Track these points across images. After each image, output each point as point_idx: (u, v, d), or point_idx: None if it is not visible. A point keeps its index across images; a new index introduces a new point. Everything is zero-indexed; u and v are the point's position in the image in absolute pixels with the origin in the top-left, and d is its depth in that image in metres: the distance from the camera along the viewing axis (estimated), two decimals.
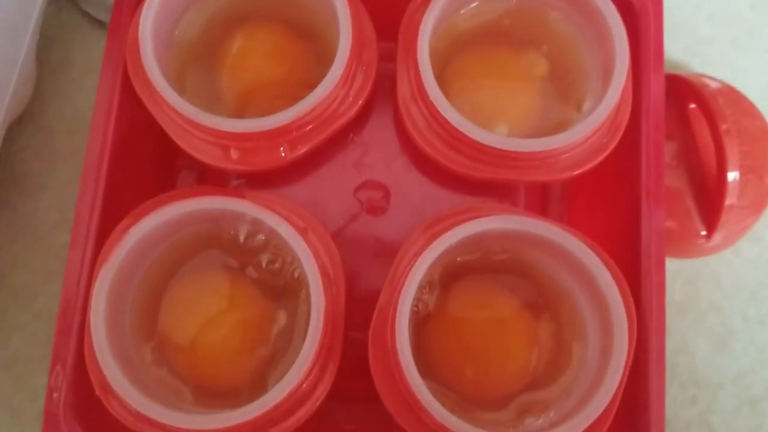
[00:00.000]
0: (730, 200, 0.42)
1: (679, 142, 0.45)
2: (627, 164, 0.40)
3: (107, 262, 0.34)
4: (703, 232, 0.44)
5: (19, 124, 0.48)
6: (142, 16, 0.37)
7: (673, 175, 0.45)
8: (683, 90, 0.45)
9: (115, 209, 0.38)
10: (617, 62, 0.37)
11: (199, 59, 0.40)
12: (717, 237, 0.43)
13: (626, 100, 0.38)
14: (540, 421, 0.36)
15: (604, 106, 0.36)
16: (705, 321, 0.46)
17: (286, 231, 0.35)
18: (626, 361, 0.34)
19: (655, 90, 0.40)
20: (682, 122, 0.45)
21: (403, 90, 0.38)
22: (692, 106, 0.44)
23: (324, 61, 0.39)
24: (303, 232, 0.36)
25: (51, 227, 0.47)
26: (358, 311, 0.37)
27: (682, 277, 0.46)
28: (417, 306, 0.37)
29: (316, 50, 0.41)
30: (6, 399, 0.45)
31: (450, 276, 0.38)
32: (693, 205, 0.44)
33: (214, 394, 0.37)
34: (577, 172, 0.37)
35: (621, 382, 0.34)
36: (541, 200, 0.43)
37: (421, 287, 0.36)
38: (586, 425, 0.33)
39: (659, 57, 0.40)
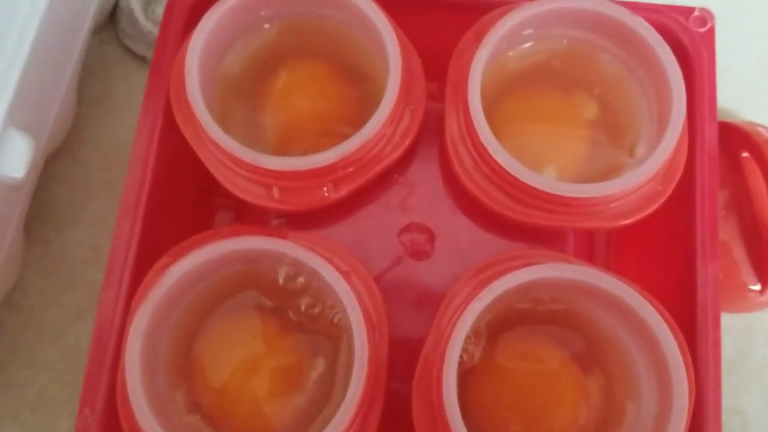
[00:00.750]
0: None
1: (729, 191, 0.44)
2: (679, 214, 0.38)
3: (145, 301, 0.33)
4: (756, 286, 0.42)
5: (56, 156, 0.47)
6: (189, 47, 0.36)
7: (723, 226, 0.43)
8: (734, 137, 0.43)
9: (152, 247, 0.37)
10: (674, 106, 0.35)
11: (243, 94, 0.40)
12: None
13: (682, 147, 0.37)
14: None
15: (660, 152, 0.35)
16: (759, 379, 0.44)
17: (328, 273, 0.34)
18: (686, 423, 0.32)
19: (710, 137, 0.38)
20: (733, 170, 0.44)
21: (452, 130, 0.37)
22: (744, 154, 0.43)
23: (369, 100, 0.39)
24: (346, 275, 0.34)
25: (83, 263, 0.46)
26: (399, 360, 0.36)
27: (734, 333, 0.45)
28: (462, 357, 0.35)
29: (362, 89, 0.40)
30: None
31: (496, 326, 0.36)
32: (744, 257, 0.43)
33: None
34: (629, 220, 0.36)
35: None
36: (588, 248, 0.42)
37: (467, 337, 0.34)
38: None
39: (713, 102, 0.39)
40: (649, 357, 0.34)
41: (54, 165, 0.48)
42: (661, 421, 0.33)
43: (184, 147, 0.38)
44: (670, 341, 0.32)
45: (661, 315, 0.33)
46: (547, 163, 0.38)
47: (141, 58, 0.50)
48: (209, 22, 0.37)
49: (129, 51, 0.50)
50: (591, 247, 0.42)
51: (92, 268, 0.46)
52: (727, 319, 0.44)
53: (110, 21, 0.50)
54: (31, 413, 0.44)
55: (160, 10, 0.48)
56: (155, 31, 0.46)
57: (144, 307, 0.33)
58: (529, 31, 0.39)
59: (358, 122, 0.36)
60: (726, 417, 0.42)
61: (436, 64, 0.39)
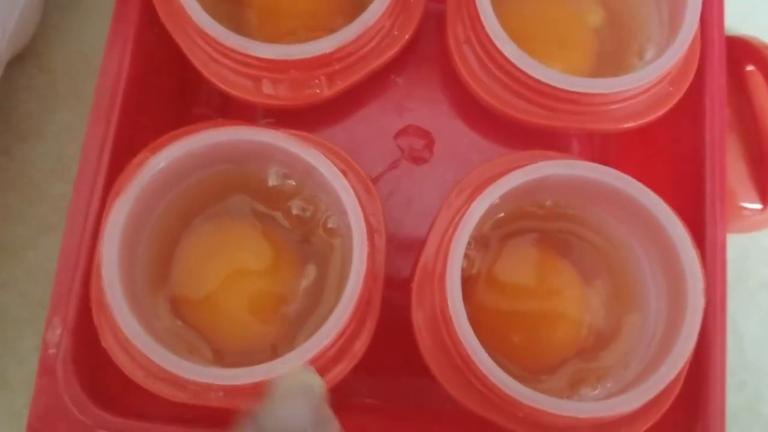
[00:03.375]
0: None
1: (732, 107, 0.42)
2: (686, 124, 0.37)
3: (124, 193, 0.30)
4: (756, 204, 0.41)
5: (20, 62, 0.44)
6: None
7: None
8: (740, 51, 0.42)
9: (126, 152, 0.34)
10: (689, 6, 0.34)
11: None
12: None
13: (694, 49, 0.35)
14: (597, 391, 0.33)
15: (673, 50, 0.33)
16: (754, 300, 0.43)
17: (326, 168, 0.31)
18: (698, 329, 0.31)
19: (719, 45, 0.37)
20: (736, 86, 0.42)
21: (455, 28, 0.35)
22: (749, 68, 0.42)
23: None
24: (343, 174, 0.32)
25: (47, 175, 0.43)
26: (395, 267, 0.34)
27: (731, 254, 0.43)
28: (462, 264, 0.34)
29: None
30: None
31: (498, 234, 0.35)
32: (745, 175, 0.42)
33: (235, 354, 0.33)
34: (637, 122, 0.35)
35: (692, 352, 0.30)
36: (590, 158, 0.40)
37: (467, 243, 0.32)
38: (647, 398, 0.30)
39: (721, 12, 0.38)
40: (660, 262, 0.32)
41: (17, 72, 0.44)
42: (672, 328, 0.31)
43: (164, 46, 0.35)
44: (685, 240, 0.30)
45: (676, 217, 0.31)
46: (554, 65, 0.36)
47: None
48: None
49: None
50: (593, 156, 0.40)
51: (58, 181, 0.43)
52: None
53: None
54: None
55: None
56: None
57: (122, 201, 0.30)
58: None
59: (350, 17, 0.34)
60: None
61: None
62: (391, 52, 0.35)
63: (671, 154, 0.38)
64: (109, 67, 0.35)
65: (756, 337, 0.43)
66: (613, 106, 0.34)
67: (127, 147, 0.34)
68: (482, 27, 0.33)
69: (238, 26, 0.37)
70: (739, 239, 0.44)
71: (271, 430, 0.20)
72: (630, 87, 0.33)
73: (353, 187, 0.32)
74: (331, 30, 0.34)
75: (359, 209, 0.31)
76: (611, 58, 0.37)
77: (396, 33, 0.35)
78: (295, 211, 0.34)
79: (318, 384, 0.22)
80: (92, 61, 0.44)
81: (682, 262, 0.31)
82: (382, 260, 0.32)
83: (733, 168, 0.41)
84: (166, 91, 0.39)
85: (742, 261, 0.44)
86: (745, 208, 0.41)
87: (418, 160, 0.38)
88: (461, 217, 0.31)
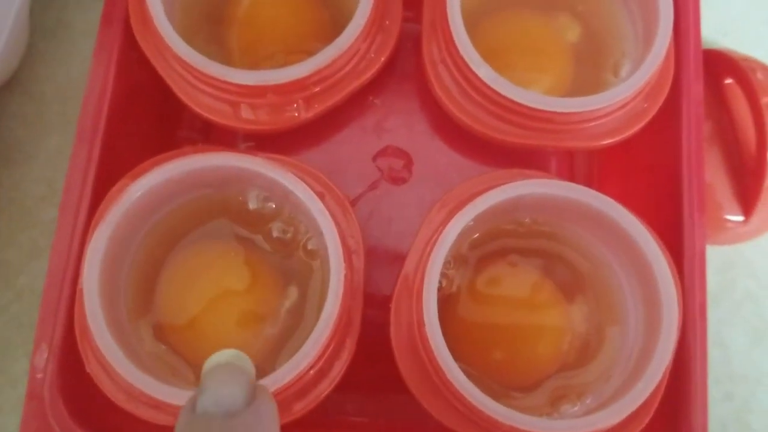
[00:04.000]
0: None
1: (712, 121, 0.43)
2: (663, 140, 0.37)
3: (103, 220, 0.31)
4: (738, 217, 0.41)
5: (7, 90, 0.45)
6: None
7: (707, 156, 0.42)
8: (718, 64, 0.42)
9: (110, 177, 0.35)
10: (661, 22, 0.34)
11: (207, 13, 0.38)
12: (754, 221, 0.41)
13: (668, 64, 0.35)
14: (576, 408, 0.33)
15: (646, 66, 0.34)
16: (740, 312, 0.43)
17: (303, 192, 0.32)
18: (674, 343, 0.31)
19: (695, 59, 0.37)
20: (716, 99, 0.43)
21: (431, 50, 0.35)
22: (728, 81, 0.42)
23: (340, 22, 0.37)
24: (320, 196, 0.32)
25: (38, 201, 0.44)
26: (375, 286, 0.34)
27: (715, 266, 0.44)
28: (441, 283, 0.34)
29: (332, 10, 0.38)
30: None
31: (477, 252, 0.35)
32: (727, 187, 0.42)
33: None
34: (613, 139, 0.35)
35: (668, 366, 0.31)
36: (569, 175, 0.40)
37: (446, 262, 0.33)
38: (626, 413, 0.30)
39: (697, 24, 0.38)
40: (638, 280, 0.32)
41: (5, 100, 0.45)
42: (648, 347, 0.31)
43: (145, 72, 0.36)
44: (658, 257, 0.31)
45: (652, 236, 0.32)
46: (529, 85, 0.37)
47: None
48: None
49: None
50: (572, 172, 0.40)
51: (48, 206, 0.44)
52: (708, 253, 0.43)
53: None
54: None
55: None
56: None
57: (102, 228, 0.31)
58: None
59: (329, 41, 0.34)
60: (708, 349, 0.41)
61: None
62: (368, 74, 0.35)
63: (650, 168, 0.38)
64: (91, 92, 0.36)
65: (742, 348, 0.43)
66: (589, 124, 0.34)
67: (112, 171, 0.35)
68: (456, 48, 0.33)
69: (219, 46, 0.38)
70: (723, 251, 0.44)
71: (206, 409, 0.21)
72: (604, 105, 0.33)
73: (331, 209, 0.32)
74: (310, 53, 0.34)
75: (335, 231, 0.31)
76: (588, 74, 0.37)
77: (372, 55, 0.35)
78: (275, 234, 0.35)
79: (247, 362, 0.23)
80: (80, 86, 0.45)
81: (657, 278, 0.31)
82: (360, 280, 0.32)
83: (715, 180, 0.42)
84: (149, 114, 0.40)
85: (726, 272, 0.44)
86: (729, 221, 0.42)
87: (397, 180, 0.38)
88: (438, 238, 0.31)
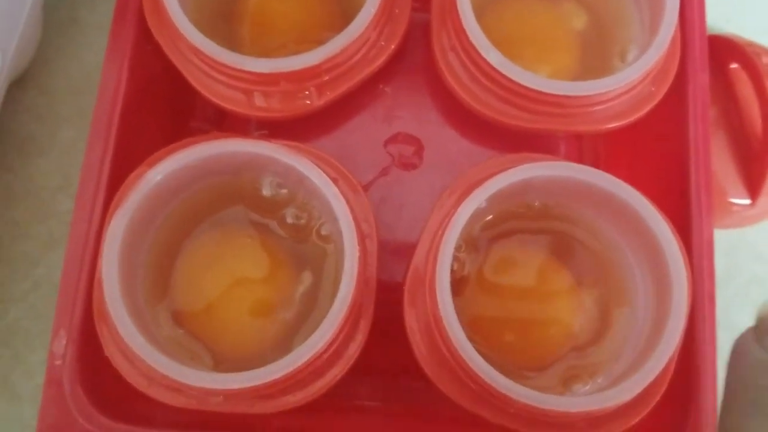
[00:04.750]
0: None
1: (718, 106, 0.43)
2: (671, 122, 0.37)
3: (122, 207, 0.32)
4: (745, 200, 0.42)
5: (21, 84, 0.45)
6: None
7: (713, 140, 0.42)
8: (723, 50, 0.43)
9: (126, 166, 0.35)
10: (667, 6, 0.35)
11: (218, 12, 0.38)
12: (761, 203, 0.41)
13: (674, 48, 0.36)
14: (588, 387, 0.33)
15: (653, 50, 0.34)
16: (747, 294, 0.44)
17: (317, 177, 0.32)
18: (684, 322, 0.31)
19: (700, 43, 0.38)
20: (722, 83, 0.43)
21: (440, 37, 0.36)
22: (733, 66, 0.42)
23: (350, 12, 0.37)
24: (334, 181, 0.33)
25: (53, 192, 0.44)
26: (388, 271, 0.35)
27: (721, 249, 0.44)
28: (453, 266, 0.34)
29: (343, 2, 0.39)
30: (2, 375, 0.42)
31: (488, 235, 0.35)
32: (734, 171, 0.42)
33: (234, 361, 0.34)
34: (620, 122, 0.35)
35: (678, 344, 0.31)
36: (578, 158, 0.41)
37: (457, 246, 0.33)
38: (636, 392, 0.31)
39: (702, 11, 0.38)
40: (646, 257, 0.33)
41: (20, 94, 0.46)
42: (659, 322, 0.32)
43: (160, 64, 0.36)
44: (669, 238, 0.31)
45: (661, 216, 0.32)
46: (537, 72, 0.37)
47: None
48: None
49: None
50: (581, 157, 0.41)
51: (63, 197, 0.44)
52: (714, 236, 0.43)
53: None
54: (3, 347, 0.42)
55: None
56: None
57: (121, 213, 0.32)
58: None
59: (339, 31, 0.35)
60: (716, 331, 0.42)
61: None
62: (379, 62, 0.36)
63: (658, 152, 0.38)
64: (106, 85, 0.36)
65: None
66: (597, 108, 0.35)
67: (127, 161, 0.35)
68: (466, 35, 0.34)
69: (231, 42, 0.38)
70: (728, 235, 0.44)
71: None
72: (611, 88, 0.34)
73: (344, 194, 0.33)
74: (321, 43, 0.35)
75: (350, 215, 0.32)
76: (595, 61, 0.38)
77: (383, 43, 0.36)
78: (289, 219, 0.35)
79: None
80: (94, 78, 0.45)
81: (667, 258, 0.31)
82: (374, 264, 0.33)
83: (721, 165, 0.42)
84: (163, 105, 0.40)
85: (732, 256, 0.44)
86: (735, 204, 0.42)
87: (408, 166, 0.39)
88: (449, 221, 0.32)
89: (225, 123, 0.41)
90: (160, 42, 0.36)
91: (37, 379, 0.42)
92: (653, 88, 0.35)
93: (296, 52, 0.35)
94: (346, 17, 0.38)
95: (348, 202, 0.33)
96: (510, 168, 0.33)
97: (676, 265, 0.31)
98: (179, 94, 0.40)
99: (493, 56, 0.33)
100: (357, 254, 0.31)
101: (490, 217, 0.35)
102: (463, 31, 0.34)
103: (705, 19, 0.38)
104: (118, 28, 0.37)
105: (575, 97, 0.34)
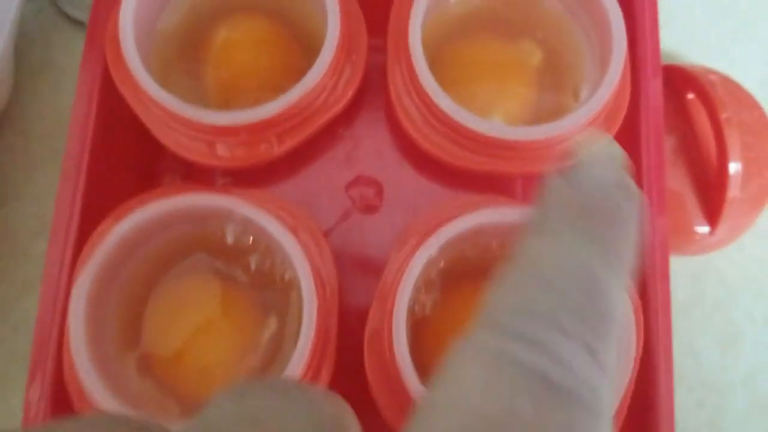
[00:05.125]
0: (732, 192, 0.41)
1: (677, 135, 0.44)
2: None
3: (87, 262, 0.32)
4: (705, 228, 0.43)
5: None
6: (122, 7, 0.35)
7: (671, 171, 0.43)
8: (680, 80, 0.44)
9: (96, 212, 0.36)
10: (615, 44, 0.35)
11: (182, 51, 0.39)
12: (720, 231, 0.42)
13: (624, 85, 0.36)
14: None
15: (602, 90, 0.35)
16: (710, 320, 0.44)
17: (275, 228, 0.33)
18: (634, 360, 0.32)
19: (654, 82, 0.38)
20: (680, 114, 0.44)
21: (395, 81, 0.37)
22: (690, 96, 0.43)
23: (310, 52, 0.38)
24: (293, 230, 0.34)
25: (30, 236, 0.45)
26: (351, 314, 0.36)
27: (685, 275, 0.45)
28: (413, 307, 0.35)
29: (303, 41, 0.39)
30: None
31: (448, 276, 0.36)
32: (694, 199, 0.43)
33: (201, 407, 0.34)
34: None
35: (630, 380, 0.32)
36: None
37: (417, 288, 0.34)
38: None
39: (655, 44, 0.39)
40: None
41: None
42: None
43: (126, 109, 0.37)
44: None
45: None
46: (493, 110, 0.38)
47: (80, 24, 0.48)
48: None
49: (67, 17, 0.48)
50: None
51: (40, 240, 0.45)
52: (677, 263, 0.44)
53: None
54: None
55: None
56: None
57: (86, 269, 0.32)
58: None
59: (300, 75, 0.36)
60: (679, 359, 0.42)
61: (379, 18, 0.38)
62: (337, 108, 0.36)
63: None
64: (74, 131, 0.37)
65: (713, 355, 0.44)
66: (550, 150, 0.35)
67: (98, 204, 0.36)
68: (417, 80, 0.35)
69: (196, 82, 0.39)
70: (692, 261, 0.45)
71: (581, 183, 0.20)
72: (563, 131, 0.34)
73: (304, 243, 0.34)
74: (282, 89, 0.36)
75: (308, 266, 0.33)
76: (549, 98, 0.38)
77: (340, 90, 0.36)
78: (253, 266, 0.36)
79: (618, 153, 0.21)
80: (68, 121, 0.46)
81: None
82: (334, 312, 0.34)
83: (682, 193, 0.43)
84: (131, 148, 0.41)
85: (696, 282, 0.45)
86: (696, 232, 0.43)
87: (369, 209, 0.39)
88: (403, 270, 0.32)
89: (193, 165, 0.42)
90: (122, 93, 0.36)
91: (19, 422, 0.43)
92: (605, 127, 0.36)
93: (257, 98, 0.36)
94: (307, 55, 0.39)
95: (308, 250, 0.34)
96: (463, 213, 0.33)
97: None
98: (148, 136, 0.40)
99: (445, 103, 0.34)
100: (315, 305, 0.32)
101: (447, 259, 0.36)
102: (415, 75, 0.35)
103: (659, 51, 0.39)
104: (84, 76, 0.38)
105: (529, 141, 0.34)
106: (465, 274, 0.36)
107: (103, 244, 0.33)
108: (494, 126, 0.34)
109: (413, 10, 0.35)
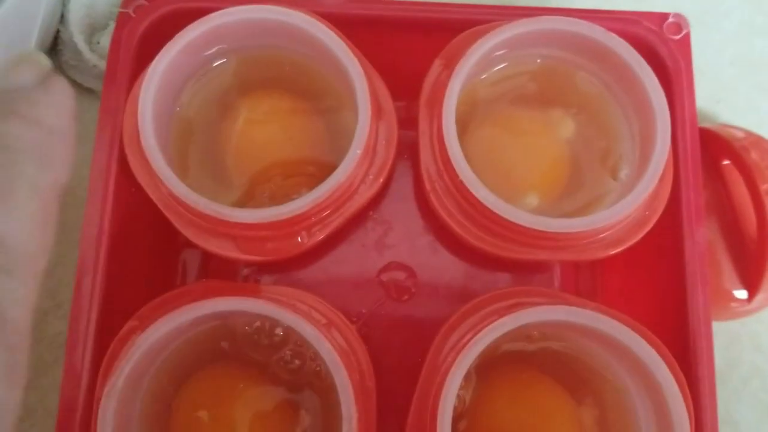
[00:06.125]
0: None
1: (709, 194, 0.43)
2: (666, 237, 0.37)
3: (112, 376, 0.31)
4: (742, 294, 0.42)
5: None
6: (141, 93, 0.33)
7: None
8: (711, 143, 0.42)
9: (116, 300, 0.35)
10: (659, 129, 0.34)
11: (202, 136, 0.37)
12: (759, 299, 0.41)
13: (668, 170, 0.35)
14: None
15: (648, 177, 0.33)
16: (747, 387, 0.43)
17: (308, 332, 0.32)
18: None
19: (693, 151, 0.37)
20: (713, 175, 0.43)
21: (428, 166, 0.35)
22: (725, 162, 0.42)
23: (336, 132, 0.37)
24: (326, 328, 0.33)
25: (42, 315, 0.44)
26: (389, 408, 0.34)
27: (719, 341, 0.44)
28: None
29: (327, 120, 0.38)
30: None
31: (486, 366, 0.35)
32: (729, 265, 0.42)
33: None
34: (617, 249, 0.35)
35: None
36: (575, 276, 0.40)
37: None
38: None
39: (692, 113, 0.38)
40: (648, 395, 0.33)
41: None
42: None
43: (143, 196, 0.35)
44: (670, 383, 0.31)
45: (657, 349, 0.32)
46: (527, 189, 0.37)
47: (88, 90, 0.46)
48: (160, 66, 0.34)
49: (74, 83, 0.47)
50: (576, 274, 0.40)
51: (53, 319, 0.44)
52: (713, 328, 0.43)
53: (52, 52, 0.47)
54: None
55: (105, 41, 0.44)
56: (101, 64, 0.43)
57: (112, 383, 0.31)
58: (502, 52, 0.37)
59: (324, 158, 0.34)
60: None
61: (402, 85, 0.37)
62: (368, 195, 0.35)
63: (653, 267, 0.38)
64: (89, 227, 0.35)
65: (752, 423, 0.43)
66: (592, 239, 0.34)
67: (117, 292, 0.35)
68: (453, 170, 0.33)
69: (215, 173, 0.37)
70: (727, 326, 0.44)
71: None
72: (607, 223, 0.33)
73: (337, 341, 0.32)
74: (308, 174, 0.34)
75: (344, 373, 0.31)
76: (585, 178, 0.37)
77: (371, 177, 0.35)
78: (285, 360, 0.35)
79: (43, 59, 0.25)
80: (78, 191, 0.45)
81: (669, 404, 0.31)
82: (373, 412, 0.32)
83: (716, 259, 0.42)
84: (150, 227, 0.39)
85: (731, 348, 0.44)
86: (732, 300, 0.42)
87: (402, 295, 0.38)
88: (446, 373, 0.31)
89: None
90: (142, 185, 0.35)
91: None
92: (647, 213, 0.35)
93: (283, 186, 0.35)
94: (332, 135, 0.37)
95: (341, 350, 0.32)
96: (507, 309, 0.32)
97: (680, 415, 0.30)
98: (168, 225, 0.39)
99: (482, 194, 0.33)
100: (355, 413, 0.31)
101: (487, 353, 0.34)
102: (450, 164, 0.33)
103: (696, 124, 0.37)
104: (98, 164, 0.36)
105: (569, 233, 0.33)
106: (505, 362, 0.35)
107: (128, 356, 0.31)
108: (535, 218, 0.33)
109: (446, 99, 0.34)
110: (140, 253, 0.39)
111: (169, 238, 0.40)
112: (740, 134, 0.42)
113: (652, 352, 0.31)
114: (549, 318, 0.32)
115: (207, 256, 0.40)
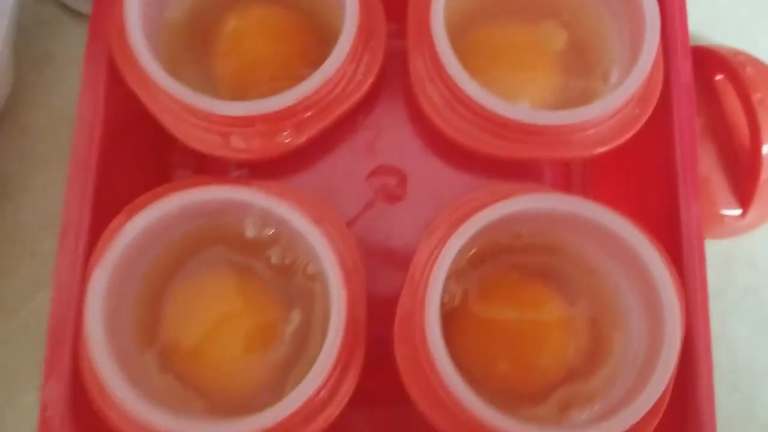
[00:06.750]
0: (765, 174, 0.39)
1: (705, 117, 0.43)
2: (657, 142, 0.37)
3: (102, 260, 0.31)
4: (736, 211, 0.41)
5: None
6: None
7: (700, 152, 0.42)
8: (707, 61, 0.42)
9: (107, 209, 0.35)
10: (648, 26, 0.34)
11: (191, 42, 0.37)
12: (751, 214, 0.41)
13: (657, 69, 0.35)
14: (585, 414, 0.33)
15: (637, 73, 0.34)
16: (742, 305, 0.43)
17: (298, 220, 0.32)
18: (678, 352, 0.31)
19: (684, 59, 0.37)
20: (707, 95, 0.43)
21: (417, 68, 0.35)
22: (718, 77, 0.42)
23: (327, 39, 0.37)
24: (317, 221, 0.33)
25: (36, 233, 0.44)
26: (377, 305, 0.34)
27: (715, 260, 0.44)
28: (443, 298, 0.34)
29: (319, 31, 0.38)
30: None
31: (477, 264, 0.35)
32: (723, 182, 0.42)
33: (226, 404, 0.33)
34: (606, 147, 0.35)
35: (673, 371, 0.31)
36: (565, 181, 0.40)
37: (447, 276, 0.33)
38: (636, 419, 0.30)
39: (684, 24, 0.38)
40: (638, 285, 0.33)
41: None
42: (653, 346, 0.31)
43: (134, 103, 0.35)
44: (659, 266, 0.31)
45: (650, 242, 0.32)
46: (518, 95, 0.37)
47: (78, 14, 0.47)
48: None
49: (65, 8, 0.47)
50: (568, 179, 0.40)
51: (46, 237, 0.44)
52: (707, 247, 0.43)
53: None
54: None
55: None
56: None
57: (100, 268, 0.31)
58: None
59: (316, 63, 0.34)
60: (712, 342, 0.41)
61: (397, 3, 0.37)
62: (357, 96, 0.35)
63: (645, 166, 0.38)
64: (80, 132, 0.35)
65: (746, 340, 0.43)
66: (582, 134, 0.34)
67: (108, 202, 0.35)
68: (442, 66, 0.33)
69: (206, 72, 0.37)
70: (721, 245, 0.44)
71: None
72: (595, 116, 0.33)
73: (328, 234, 0.32)
74: (297, 77, 0.34)
75: (334, 257, 0.31)
76: (577, 81, 0.37)
77: (360, 77, 0.35)
78: (274, 260, 0.35)
79: None
80: (71, 114, 0.45)
81: (657, 285, 0.31)
82: (362, 303, 0.33)
83: (710, 176, 0.42)
84: (141, 143, 0.40)
85: (726, 267, 0.44)
86: (726, 215, 0.42)
87: (392, 198, 0.38)
88: (436, 258, 0.31)
89: (206, 159, 0.40)
90: (131, 86, 0.35)
91: (32, 421, 0.41)
92: (638, 111, 0.35)
93: (272, 89, 0.34)
94: (322, 45, 0.37)
95: (332, 241, 0.32)
96: (495, 200, 0.32)
97: (668, 293, 0.31)
98: (157, 129, 0.39)
99: (471, 88, 0.33)
100: (344, 296, 0.31)
101: (477, 248, 0.34)
102: (439, 61, 0.33)
103: (688, 34, 0.37)
104: (88, 73, 0.36)
105: (558, 126, 0.33)
106: (496, 260, 0.35)
107: (116, 240, 0.32)
108: (522, 111, 0.33)
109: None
110: (133, 163, 0.39)
111: (163, 148, 0.41)
112: (739, 55, 0.42)
113: (643, 239, 0.31)
114: (537, 206, 0.32)
115: (200, 164, 0.40)
